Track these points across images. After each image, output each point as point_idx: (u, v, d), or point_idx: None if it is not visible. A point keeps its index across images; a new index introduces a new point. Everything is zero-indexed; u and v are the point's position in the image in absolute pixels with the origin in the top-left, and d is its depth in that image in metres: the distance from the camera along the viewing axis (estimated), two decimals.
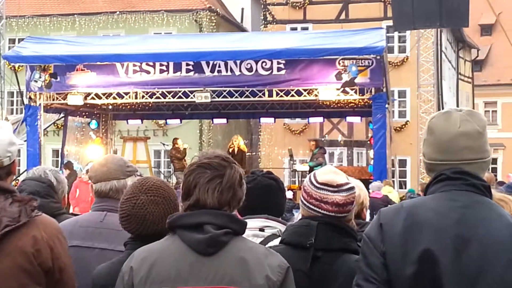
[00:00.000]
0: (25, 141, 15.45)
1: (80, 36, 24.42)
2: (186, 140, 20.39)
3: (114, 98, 15.91)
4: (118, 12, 27.74)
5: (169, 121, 20.93)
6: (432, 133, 2.24)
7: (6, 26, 23.00)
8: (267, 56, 14.57)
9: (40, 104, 15.81)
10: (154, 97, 15.82)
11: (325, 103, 17.23)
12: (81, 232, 3.11)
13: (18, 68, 20.04)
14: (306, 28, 26.17)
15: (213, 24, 27.38)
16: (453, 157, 2.19)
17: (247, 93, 15.18)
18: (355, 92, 14.73)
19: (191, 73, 15.14)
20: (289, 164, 21.52)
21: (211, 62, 14.90)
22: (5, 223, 2.30)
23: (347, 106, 17.77)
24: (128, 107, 18.98)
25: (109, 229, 3.07)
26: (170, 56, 14.97)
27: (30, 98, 15.87)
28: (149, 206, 2.61)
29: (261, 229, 3.00)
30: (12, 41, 25.96)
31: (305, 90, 14.87)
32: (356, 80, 14.35)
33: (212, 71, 14.96)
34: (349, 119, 19.41)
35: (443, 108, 22.81)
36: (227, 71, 14.91)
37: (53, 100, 16.01)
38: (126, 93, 15.66)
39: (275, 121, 20.54)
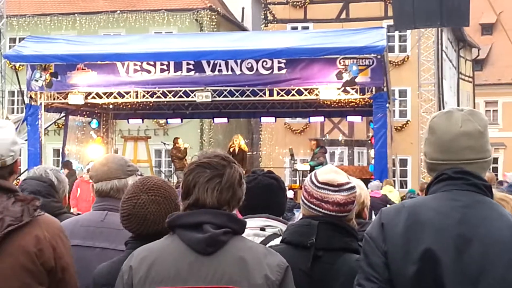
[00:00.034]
0: (26, 140, 15.47)
1: (80, 36, 24.43)
2: (187, 139, 20.39)
3: (115, 97, 15.93)
4: (118, 11, 27.74)
5: (170, 120, 20.94)
6: (433, 132, 2.23)
7: (6, 25, 23.00)
8: (267, 56, 14.57)
9: (41, 104, 15.83)
10: (155, 96, 15.83)
11: (325, 102, 17.24)
12: (82, 231, 3.11)
13: (19, 67, 20.05)
14: (307, 28, 26.16)
15: (214, 23, 27.38)
16: (455, 157, 2.19)
17: (247, 92, 15.19)
18: (356, 92, 14.73)
19: (192, 73, 15.15)
20: (290, 164, 21.51)
21: (211, 62, 14.90)
22: (8, 222, 2.30)
23: (347, 106, 17.78)
24: (129, 106, 18.99)
25: (110, 228, 3.07)
26: (171, 55, 14.98)
27: (31, 97, 15.88)
28: (150, 205, 2.61)
29: (262, 229, 3.00)
30: (12, 40, 25.94)
31: (305, 89, 14.87)
32: (356, 80, 14.37)
33: (212, 70, 14.97)
34: (350, 118, 19.42)
35: (443, 108, 22.80)
36: (227, 71, 14.92)
37: (54, 99, 16.02)
38: (127, 93, 15.67)
39: (275, 121, 20.54)
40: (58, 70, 15.45)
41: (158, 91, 15.61)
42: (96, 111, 19.24)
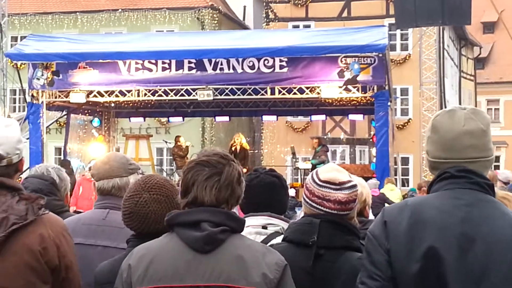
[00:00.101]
0: (27, 139, 15.47)
1: (82, 34, 24.44)
2: (189, 138, 20.39)
3: (117, 96, 15.93)
4: (120, 10, 27.76)
5: (171, 119, 20.93)
6: (436, 131, 2.23)
7: (8, 24, 22.98)
8: (269, 54, 14.57)
9: (42, 102, 15.83)
10: (157, 95, 15.83)
11: (327, 100, 17.23)
12: (83, 229, 3.12)
13: (21, 65, 19.99)
14: (308, 26, 26.15)
15: (215, 22, 27.39)
16: (457, 155, 2.19)
17: (249, 90, 15.18)
18: (358, 90, 14.72)
19: (193, 71, 15.15)
20: (292, 162, 21.51)
21: (213, 60, 14.91)
22: (12, 221, 2.31)
23: (349, 104, 17.76)
24: (131, 105, 18.98)
25: (112, 226, 3.07)
26: (172, 54, 14.98)
27: (32, 96, 15.89)
28: (152, 204, 2.61)
29: (264, 227, 3.01)
30: (14, 39, 25.97)
31: (307, 87, 14.86)
32: (358, 78, 14.36)
33: (214, 68, 14.97)
34: (352, 117, 19.40)
35: (445, 106, 22.79)
36: (229, 69, 14.92)
37: (56, 97, 16.02)
38: (129, 91, 15.67)
39: (277, 119, 20.52)
40: (59, 69, 15.45)
41: (160, 89, 15.60)
42: (97, 110, 19.24)
